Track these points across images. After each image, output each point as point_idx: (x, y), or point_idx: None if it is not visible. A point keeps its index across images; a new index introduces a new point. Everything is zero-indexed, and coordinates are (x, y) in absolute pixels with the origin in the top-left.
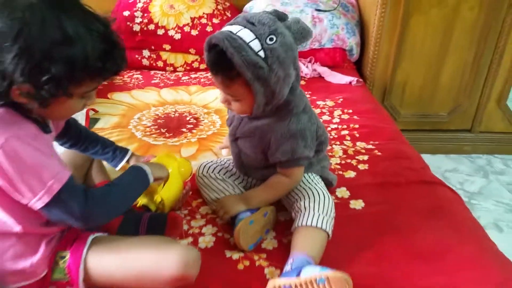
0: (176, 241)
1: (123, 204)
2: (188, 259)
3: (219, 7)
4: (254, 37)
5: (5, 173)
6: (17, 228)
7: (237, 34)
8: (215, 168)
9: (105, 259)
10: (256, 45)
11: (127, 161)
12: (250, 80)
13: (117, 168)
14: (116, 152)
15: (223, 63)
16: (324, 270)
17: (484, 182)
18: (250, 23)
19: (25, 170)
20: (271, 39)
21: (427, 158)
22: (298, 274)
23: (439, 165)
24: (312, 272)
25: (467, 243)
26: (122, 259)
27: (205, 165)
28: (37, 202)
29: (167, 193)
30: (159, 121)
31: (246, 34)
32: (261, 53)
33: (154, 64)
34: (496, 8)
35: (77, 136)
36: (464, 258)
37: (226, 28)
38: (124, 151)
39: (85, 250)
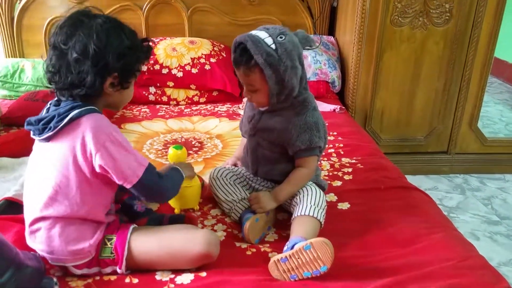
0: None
1: (175, 187)
2: (210, 239)
3: (215, 48)
4: (268, 35)
5: (113, 157)
6: (86, 214)
7: (256, 34)
8: (227, 173)
9: (144, 240)
10: (269, 40)
11: None
12: (262, 65)
13: None
14: None
15: (244, 56)
16: (309, 240)
17: (462, 198)
18: (266, 28)
19: (126, 154)
20: (281, 37)
21: (408, 179)
22: (292, 249)
23: (420, 184)
24: (301, 243)
25: (437, 232)
26: (158, 240)
27: (218, 170)
28: (133, 177)
29: None
30: (168, 145)
31: (262, 34)
32: (273, 46)
33: (159, 99)
34: (459, 42)
35: None
36: (434, 243)
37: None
38: None
39: (129, 233)
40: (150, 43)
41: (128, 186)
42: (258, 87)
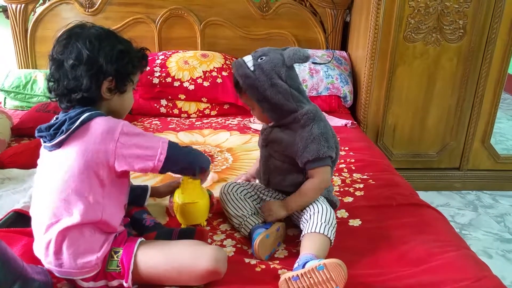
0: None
1: (202, 156)
2: (218, 256)
3: (227, 62)
4: (251, 58)
5: (134, 147)
6: (99, 220)
7: (243, 58)
8: (238, 188)
9: (151, 254)
10: (250, 63)
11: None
12: (243, 87)
13: (145, 204)
14: (138, 191)
15: (235, 80)
16: (322, 260)
17: (474, 215)
18: (255, 52)
19: (145, 139)
20: (261, 58)
21: (420, 195)
22: (303, 267)
23: (432, 200)
24: (314, 263)
25: (450, 251)
26: (165, 255)
27: (229, 185)
28: (161, 156)
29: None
30: None
31: (247, 57)
32: (252, 68)
33: (170, 112)
34: (472, 59)
35: None
36: (447, 262)
37: None
38: (144, 189)
39: (135, 246)
40: (146, 52)
41: (159, 166)
42: (252, 106)
